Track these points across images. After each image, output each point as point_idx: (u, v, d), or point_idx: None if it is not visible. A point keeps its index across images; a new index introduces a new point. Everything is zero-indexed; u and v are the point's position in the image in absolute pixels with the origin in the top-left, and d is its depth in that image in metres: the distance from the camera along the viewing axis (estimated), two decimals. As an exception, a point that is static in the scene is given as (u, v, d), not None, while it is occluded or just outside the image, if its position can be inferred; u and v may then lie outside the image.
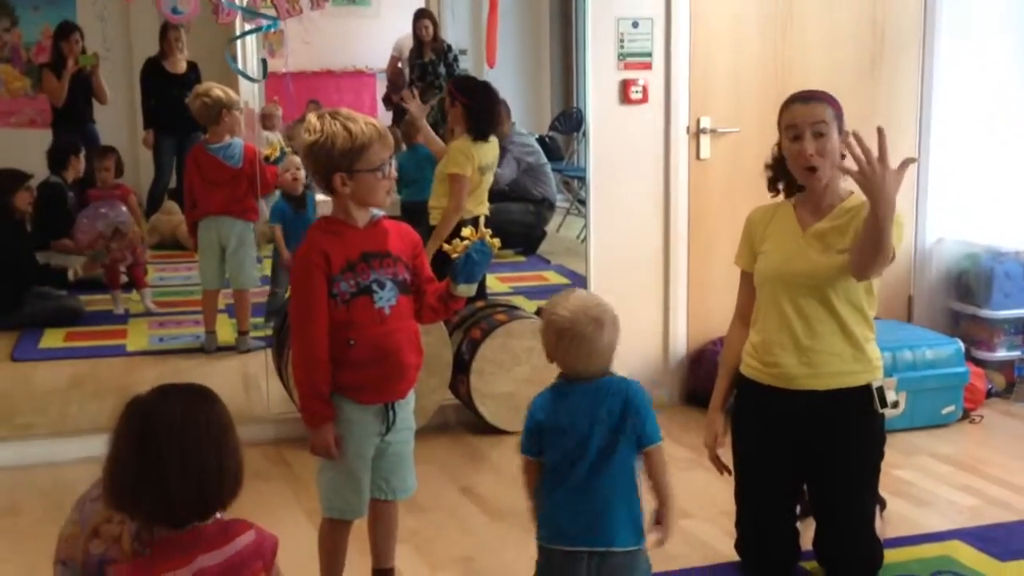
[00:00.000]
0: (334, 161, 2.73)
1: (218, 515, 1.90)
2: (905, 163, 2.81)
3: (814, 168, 3.03)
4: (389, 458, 2.93)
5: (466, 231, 2.84)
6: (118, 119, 6.46)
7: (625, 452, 2.52)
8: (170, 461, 1.81)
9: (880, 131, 2.78)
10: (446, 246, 2.86)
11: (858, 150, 2.75)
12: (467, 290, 2.85)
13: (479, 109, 4.80)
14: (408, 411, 2.95)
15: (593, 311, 2.53)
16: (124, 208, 5.89)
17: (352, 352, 2.77)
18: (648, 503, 2.61)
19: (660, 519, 2.59)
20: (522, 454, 2.61)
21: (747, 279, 3.25)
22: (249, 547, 1.89)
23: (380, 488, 2.96)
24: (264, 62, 5.02)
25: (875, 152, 2.75)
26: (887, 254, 2.86)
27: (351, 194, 2.76)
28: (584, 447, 2.51)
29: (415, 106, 5.06)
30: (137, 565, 1.87)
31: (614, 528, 2.52)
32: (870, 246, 2.84)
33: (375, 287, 2.77)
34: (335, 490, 2.88)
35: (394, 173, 2.81)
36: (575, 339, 2.50)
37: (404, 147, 5.56)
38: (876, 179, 2.74)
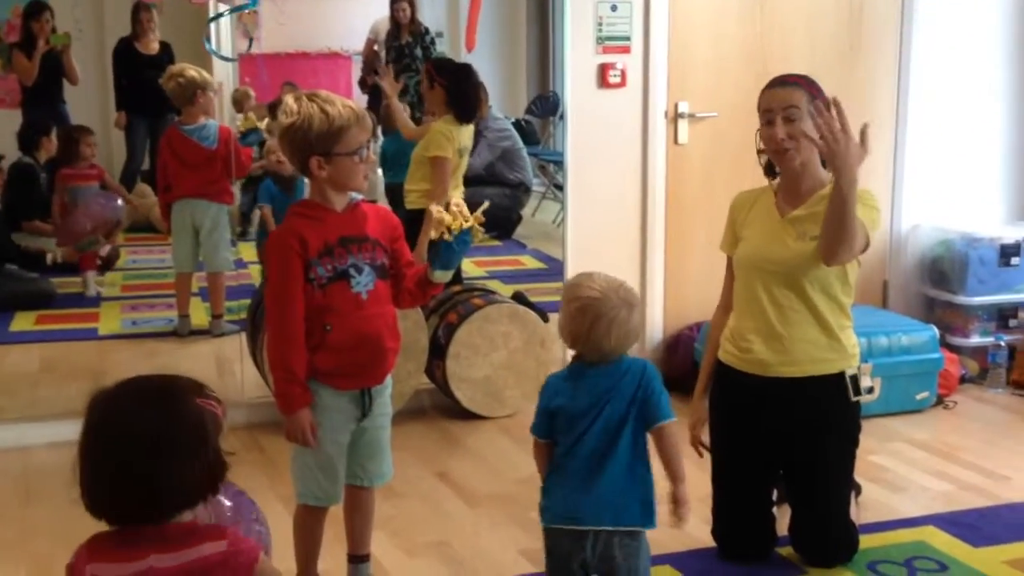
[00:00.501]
0: (311, 144, 2.69)
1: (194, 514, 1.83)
2: (864, 132, 2.82)
3: (785, 151, 3.03)
4: (365, 444, 2.91)
5: (446, 216, 2.79)
6: (89, 100, 6.39)
7: (636, 431, 2.52)
8: (104, 463, 1.75)
9: (835, 101, 2.80)
10: (442, 216, 2.80)
11: (820, 120, 2.76)
12: (443, 276, 2.83)
13: (460, 91, 4.78)
14: (385, 397, 2.92)
15: (623, 293, 2.52)
16: (119, 202, 5.82)
17: (329, 337, 2.74)
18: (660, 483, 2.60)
19: (677, 498, 2.57)
20: (533, 435, 2.58)
21: (731, 264, 3.24)
22: (216, 557, 1.77)
23: (356, 474, 2.94)
24: (251, 40, 4.97)
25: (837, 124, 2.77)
26: (852, 235, 2.84)
27: (328, 178, 2.73)
28: (596, 428, 2.50)
29: (388, 83, 5.03)
30: (91, 549, 1.79)
31: (622, 507, 2.51)
32: (834, 224, 2.83)
33: (352, 272, 2.74)
34: (310, 477, 2.86)
35: (372, 157, 2.79)
36: (612, 322, 2.47)
37: (381, 132, 5.53)
38: (839, 149, 2.75)
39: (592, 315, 2.47)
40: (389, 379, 2.93)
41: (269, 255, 2.81)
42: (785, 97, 3.03)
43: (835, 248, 2.88)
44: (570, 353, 2.65)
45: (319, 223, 2.74)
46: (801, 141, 3.00)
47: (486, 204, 2.84)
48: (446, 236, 2.76)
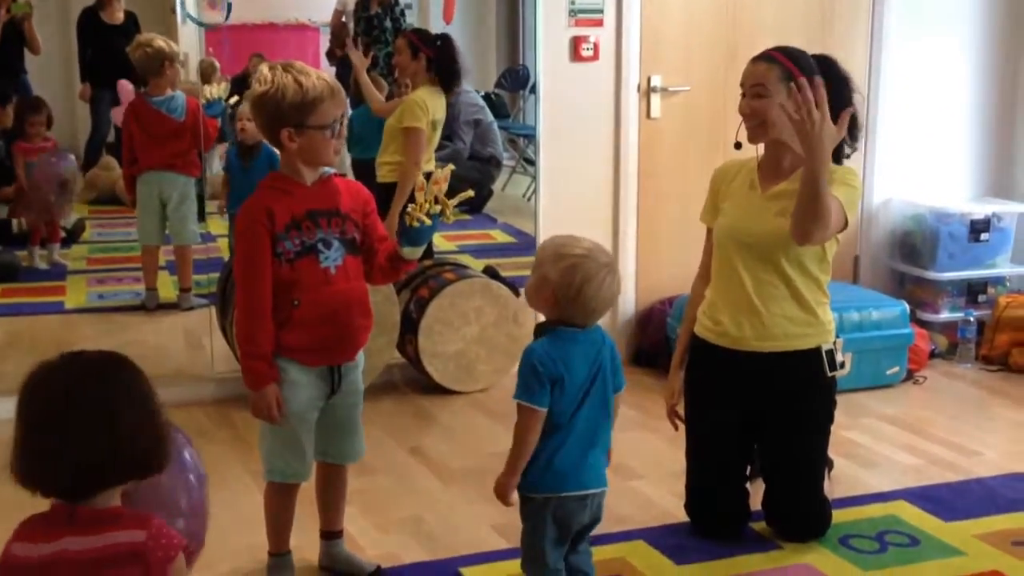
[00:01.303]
0: (283, 115, 2.65)
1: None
2: (844, 115, 2.80)
3: (751, 127, 3.03)
4: (335, 422, 2.88)
5: (420, 199, 2.74)
6: (53, 70, 6.29)
7: (610, 397, 2.57)
8: (38, 432, 1.72)
9: (815, 82, 2.77)
10: (411, 206, 2.75)
11: (797, 97, 2.74)
12: (412, 252, 2.79)
13: (444, 61, 4.75)
14: (356, 375, 2.89)
15: (607, 256, 2.52)
16: (72, 158, 5.74)
17: (296, 312, 2.71)
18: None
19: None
20: (538, 407, 2.45)
21: (711, 236, 3.23)
22: (128, 546, 1.71)
23: (327, 452, 2.92)
24: (229, 5, 4.90)
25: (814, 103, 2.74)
26: (824, 215, 2.80)
27: (298, 150, 2.69)
28: (593, 395, 2.51)
29: (357, 57, 4.98)
30: (20, 528, 1.75)
31: (604, 467, 2.60)
32: (805, 204, 2.80)
33: (321, 246, 2.71)
34: (277, 454, 2.83)
35: (344, 132, 2.74)
36: (601, 283, 2.45)
37: (349, 106, 5.46)
38: (812, 129, 2.73)
39: (582, 274, 2.45)
40: (360, 357, 2.89)
41: (237, 228, 2.76)
42: (756, 73, 3.03)
43: (807, 228, 2.84)
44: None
45: (287, 196, 2.70)
46: (768, 118, 2.99)
47: (469, 193, 2.80)
48: (413, 223, 2.71)
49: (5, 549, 1.75)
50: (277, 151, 2.77)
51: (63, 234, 5.81)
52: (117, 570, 1.71)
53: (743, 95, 3.05)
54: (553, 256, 2.49)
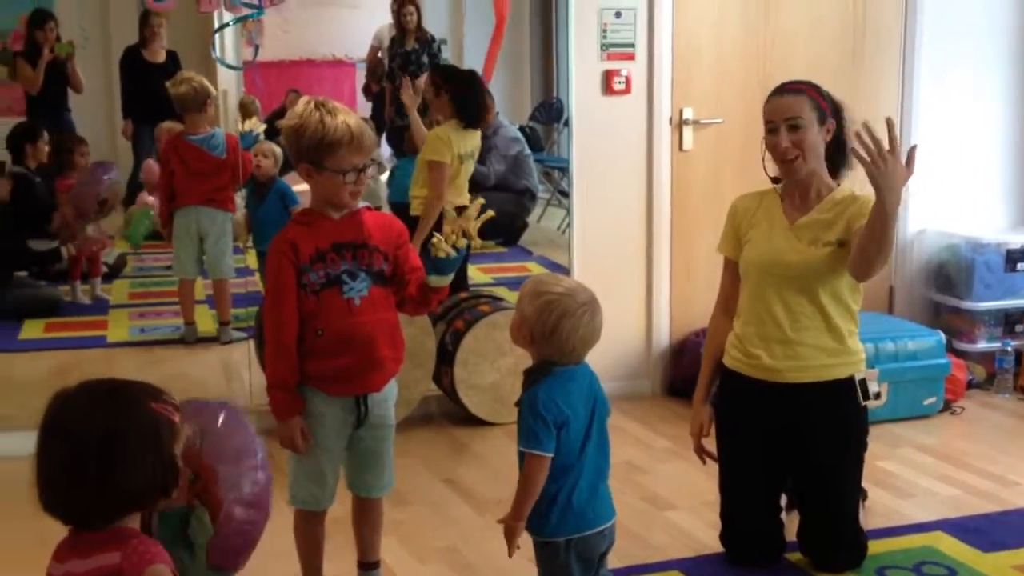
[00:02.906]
0: (301, 151, 2.70)
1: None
2: (912, 155, 2.81)
3: (791, 160, 3.03)
4: (362, 454, 2.90)
5: (447, 231, 2.75)
6: (95, 108, 6.40)
7: (606, 426, 2.58)
8: (53, 463, 1.79)
9: (889, 122, 2.78)
10: (436, 236, 2.76)
11: (868, 140, 2.74)
12: (439, 281, 2.78)
13: (466, 97, 4.79)
14: (385, 408, 2.89)
15: (587, 295, 2.50)
16: (115, 171, 5.82)
17: (320, 342, 2.74)
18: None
19: None
20: (545, 454, 2.44)
21: (730, 267, 3.24)
22: (107, 568, 1.78)
23: (353, 484, 2.95)
24: (256, 48, 4.98)
25: (885, 144, 2.74)
26: (889, 252, 2.85)
27: (315, 187, 2.74)
28: (589, 431, 2.51)
29: (408, 96, 5.04)
30: (57, 547, 1.86)
31: (610, 496, 2.60)
32: (875, 242, 2.81)
33: (345, 277, 2.73)
34: (299, 482, 2.87)
35: (366, 180, 2.73)
36: (578, 322, 2.44)
37: (395, 155, 5.51)
38: (887, 171, 2.73)
39: (559, 311, 2.44)
40: (390, 390, 2.90)
41: (267, 262, 2.82)
42: (789, 106, 3.03)
43: (874, 264, 2.88)
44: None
45: (313, 229, 2.74)
46: (806, 150, 3.01)
47: (490, 214, 2.81)
48: (439, 254, 2.71)
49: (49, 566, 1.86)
50: (290, 188, 2.82)
51: (105, 269, 5.90)
52: None
53: (772, 130, 3.06)
54: (531, 294, 2.49)
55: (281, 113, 5.36)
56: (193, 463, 2.34)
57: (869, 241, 2.84)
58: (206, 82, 5.17)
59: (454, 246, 2.73)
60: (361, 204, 2.84)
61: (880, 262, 2.88)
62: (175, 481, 1.85)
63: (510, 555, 2.55)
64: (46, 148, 6.11)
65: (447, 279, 2.80)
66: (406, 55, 6.58)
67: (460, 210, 2.82)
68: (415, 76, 6.34)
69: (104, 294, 5.84)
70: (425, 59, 6.52)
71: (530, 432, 2.45)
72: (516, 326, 2.52)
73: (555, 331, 2.44)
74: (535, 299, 2.48)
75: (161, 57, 6.36)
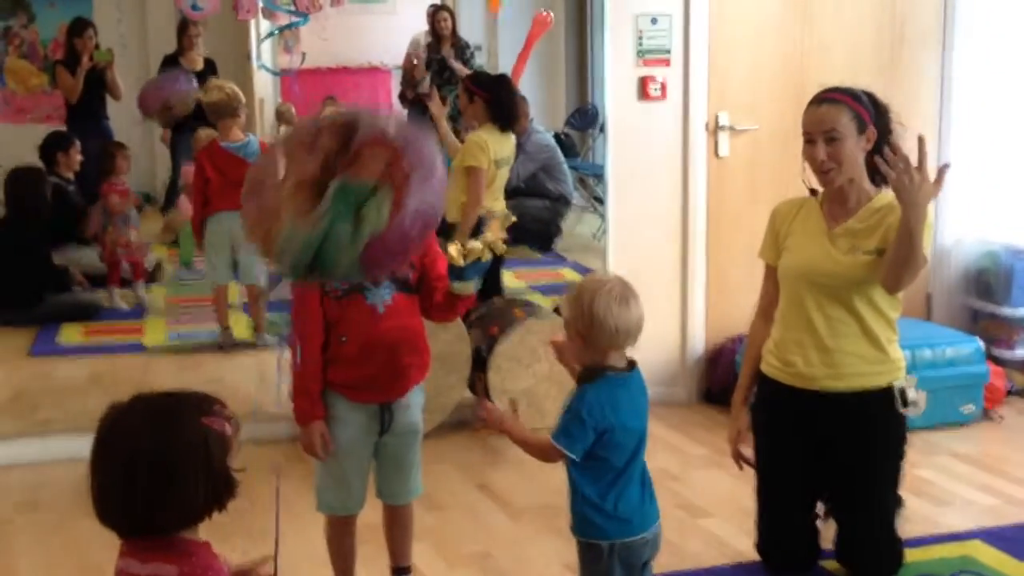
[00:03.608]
0: None
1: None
2: (941, 173, 2.81)
3: (827, 171, 3.02)
4: (388, 460, 2.91)
5: (451, 250, 2.74)
6: (133, 115, 6.48)
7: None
8: (108, 479, 1.81)
9: (921, 140, 2.80)
10: (456, 245, 2.74)
11: (896, 159, 2.75)
12: (463, 288, 2.76)
13: (499, 102, 4.82)
14: (410, 415, 2.89)
15: (617, 280, 2.51)
16: (191, 84, 5.88)
17: (343, 349, 2.75)
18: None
19: None
20: (571, 454, 2.45)
21: (771, 273, 3.23)
22: None
23: (381, 491, 2.96)
24: (303, 55, 5.02)
25: (914, 161, 2.75)
26: (918, 265, 2.85)
27: None
28: (643, 439, 2.53)
29: (436, 106, 5.05)
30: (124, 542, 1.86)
31: (655, 501, 2.61)
32: (902, 256, 2.83)
33: (369, 284, 2.74)
34: (326, 487, 2.89)
35: None
36: (611, 300, 2.43)
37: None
38: (912, 189, 2.75)
39: (589, 295, 2.45)
40: (415, 396, 2.90)
41: None
42: (826, 118, 3.00)
43: (902, 278, 2.89)
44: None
45: None
46: (844, 162, 2.99)
47: (512, 218, 2.80)
48: (456, 262, 2.70)
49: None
50: None
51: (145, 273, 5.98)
52: None
53: (810, 141, 3.04)
54: (564, 298, 2.55)
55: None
56: (390, 155, 2.28)
57: (896, 254, 2.86)
58: (236, 89, 5.19)
59: (478, 259, 2.70)
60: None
61: (909, 275, 2.88)
62: (229, 493, 1.85)
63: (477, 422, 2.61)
64: (78, 157, 6.18)
65: (470, 285, 2.78)
66: (441, 61, 6.61)
67: (479, 221, 2.81)
68: (449, 82, 6.37)
69: (145, 295, 5.90)
70: (458, 64, 6.53)
71: (565, 428, 2.47)
72: (567, 339, 2.54)
73: (592, 317, 2.44)
74: (568, 298, 2.52)
75: (199, 65, 6.42)
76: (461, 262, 2.70)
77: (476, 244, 2.71)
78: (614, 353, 2.50)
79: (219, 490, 1.83)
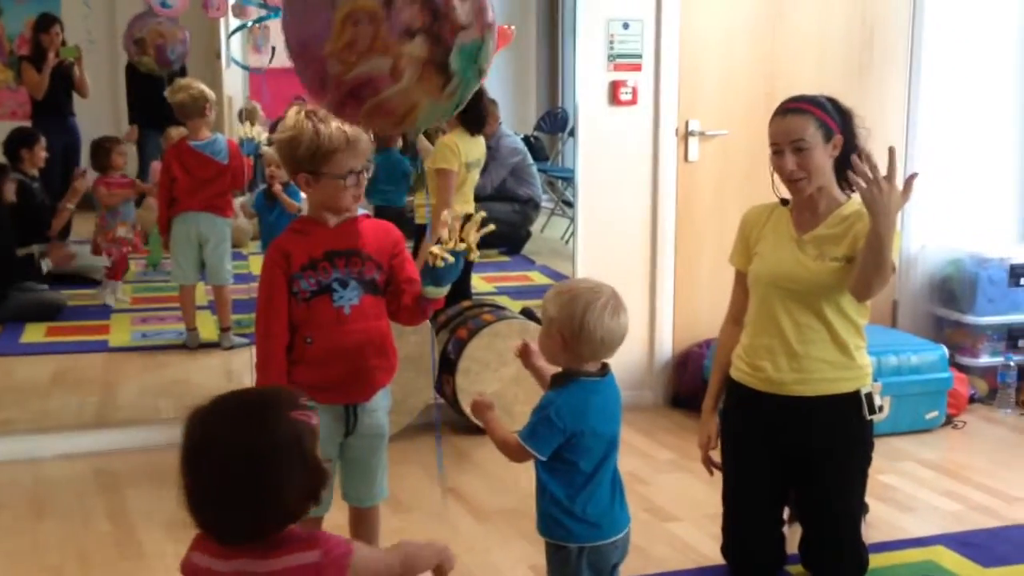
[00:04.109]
0: (299, 161, 2.69)
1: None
2: (910, 182, 2.83)
3: (796, 181, 3.03)
4: (351, 463, 2.89)
5: (443, 239, 2.73)
6: (101, 113, 6.41)
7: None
8: (206, 484, 1.76)
9: (891, 151, 2.81)
10: (433, 247, 2.75)
11: (865, 168, 2.76)
12: (435, 292, 2.77)
13: (469, 106, 4.79)
14: (375, 417, 2.87)
15: (609, 289, 2.50)
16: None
17: (309, 350, 2.74)
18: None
19: None
20: (537, 454, 2.46)
21: (741, 279, 3.24)
22: (301, 568, 1.77)
23: (347, 494, 2.93)
24: (272, 49, 4.98)
25: (883, 170, 2.77)
26: (888, 271, 2.86)
27: (314, 196, 2.75)
28: (614, 443, 2.54)
29: None
30: (199, 538, 1.82)
31: (626, 506, 2.61)
32: (871, 264, 2.84)
33: (336, 286, 2.73)
34: None
35: (364, 181, 2.75)
36: (603, 311, 2.43)
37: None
38: (882, 199, 2.76)
39: (583, 303, 2.44)
40: (381, 399, 2.88)
41: (261, 271, 2.81)
42: (792, 128, 3.01)
43: (871, 285, 2.90)
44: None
45: (307, 238, 2.75)
46: (813, 171, 3.01)
47: (490, 227, 2.79)
48: (438, 263, 2.70)
49: (186, 556, 1.83)
50: (302, 195, 2.82)
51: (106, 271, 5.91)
52: None
53: (777, 152, 3.05)
54: (554, 295, 2.50)
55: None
56: (478, 7, 2.44)
57: (865, 263, 2.87)
58: (204, 87, 5.16)
59: (452, 252, 2.70)
60: (360, 211, 2.85)
61: (878, 283, 2.89)
62: (323, 484, 1.82)
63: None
64: (43, 154, 6.12)
65: (443, 290, 2.78)
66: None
67: (465, 219, 2.81)
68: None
69: (124, 296, 5.84)
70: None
71: (533, 429, 2.47)
72: (545, 334, 2.52)
73: (582, 325, 2.44)
74: (559, 297, 2.49)
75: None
76: (441, 263, 2.69)
77: (460, 244, 2.71)
78: (591, 360, 2.50)
79: (314, 483, 1.80)
